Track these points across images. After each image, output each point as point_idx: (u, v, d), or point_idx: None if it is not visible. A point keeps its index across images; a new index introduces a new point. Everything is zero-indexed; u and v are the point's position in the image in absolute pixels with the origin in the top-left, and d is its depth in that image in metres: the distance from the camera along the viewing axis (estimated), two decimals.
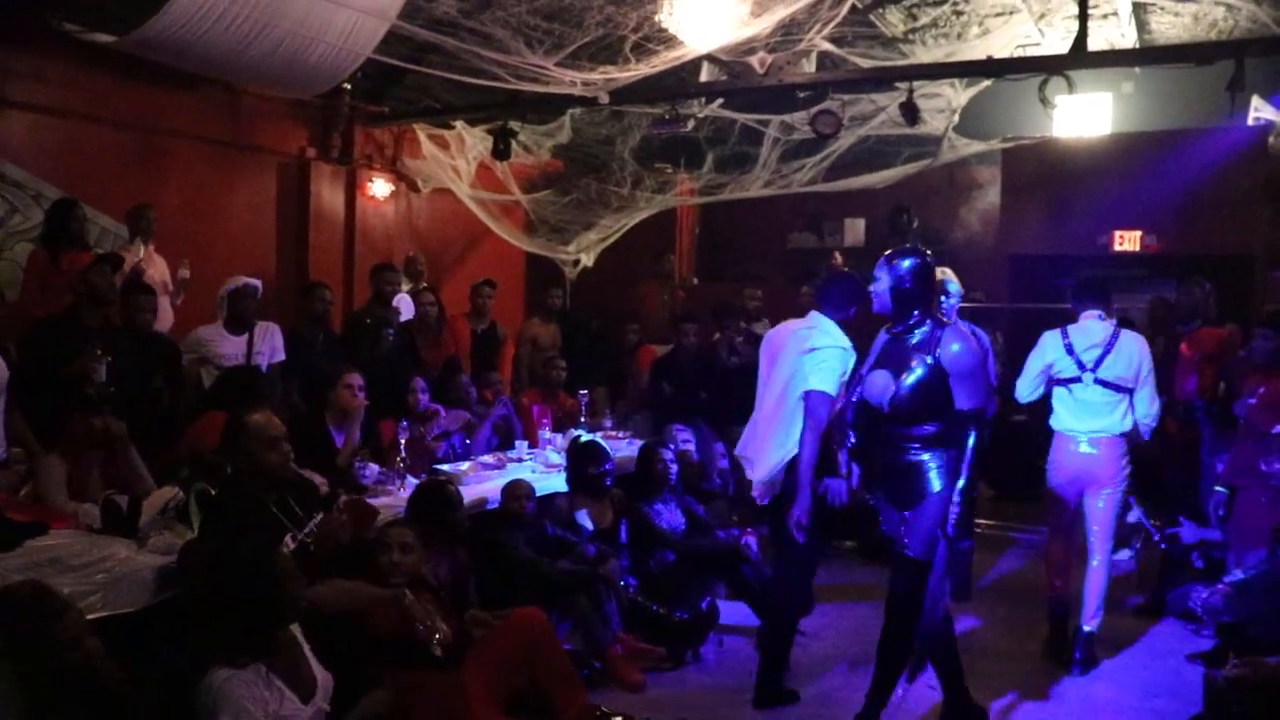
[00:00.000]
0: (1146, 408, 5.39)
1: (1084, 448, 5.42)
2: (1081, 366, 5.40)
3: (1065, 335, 5.50)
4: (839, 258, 10.88)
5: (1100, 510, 5.46)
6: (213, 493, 4.08)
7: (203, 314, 6.86)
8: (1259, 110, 8.80)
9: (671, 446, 6.77)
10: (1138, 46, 8.35)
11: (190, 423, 5.46)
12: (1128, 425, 5.39)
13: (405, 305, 8.08)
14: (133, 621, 3.68)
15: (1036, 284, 9.19)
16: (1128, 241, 9.42)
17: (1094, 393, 5.38)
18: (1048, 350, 5.54)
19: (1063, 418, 5.51)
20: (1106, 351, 5.38)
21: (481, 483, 5.93)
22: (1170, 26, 8.30)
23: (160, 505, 4.05)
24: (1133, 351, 5.39)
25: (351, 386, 5.88)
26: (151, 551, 3.93)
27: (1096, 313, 5.51)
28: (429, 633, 3.88)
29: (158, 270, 6.91)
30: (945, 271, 9.44)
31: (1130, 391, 5.37)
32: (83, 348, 5.19)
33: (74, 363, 5.14)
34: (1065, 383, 5.46)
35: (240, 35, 6.48)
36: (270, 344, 6.65)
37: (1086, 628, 5.47)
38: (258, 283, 6.82)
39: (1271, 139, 9.18)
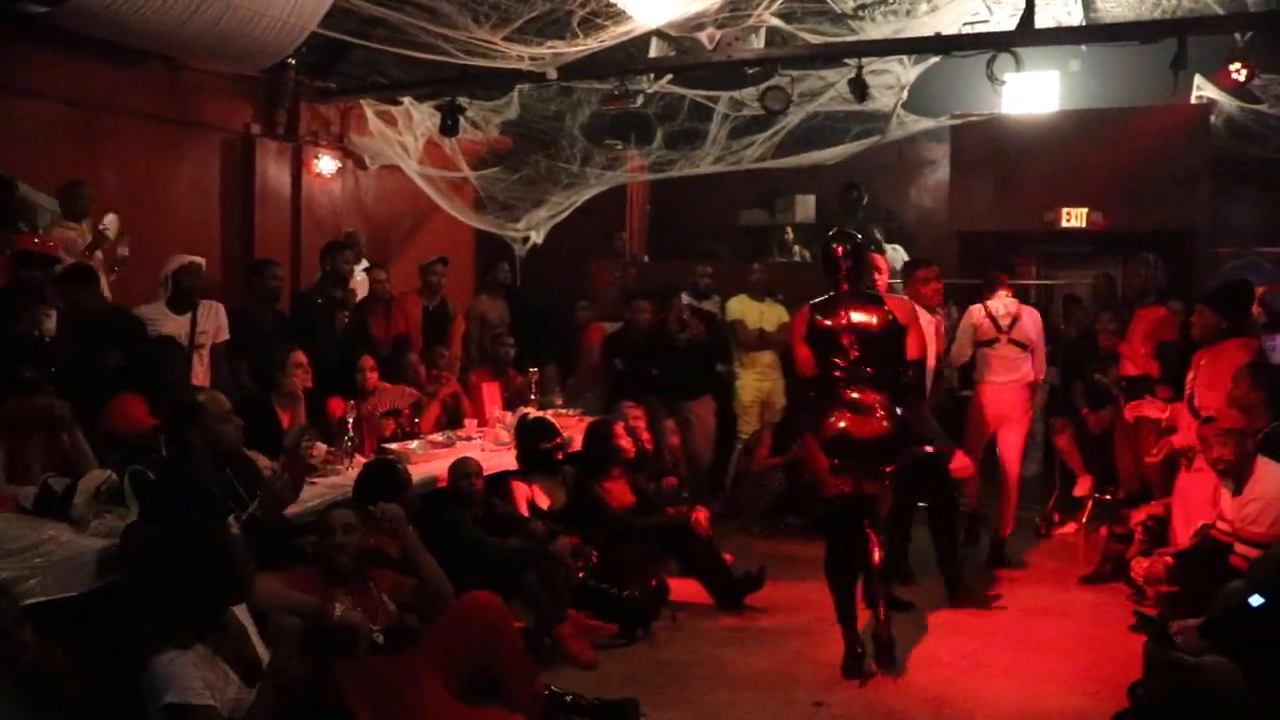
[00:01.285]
0: (1042, 365, 7.08)
1: (1001, 394, 6.90)
2: (999, 329, 6.91)
3: (985, 306, 7.04)
4: (790, 234, 10.92)
5: (1012, 442, 7.00)
6: (150, 475, 4.01)
7: (145, 293, 6.73)
8: (1201, 89, 8.90)
9: (621, 424, 6.77)
10: (1084, 24, 8.41)
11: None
12: (1030, 377, 6.93)
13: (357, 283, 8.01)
14: (75, 606, 3.63)
15: (986, 259, 9.26)
16: (1074, 218, 9.51)
17: (1008, 350, 6.89)
18: (973, 316, 7.05)
19: (983, 372, 7.00)
20: (1015, 319, 6.92)
21: (430, 461, 5.90)
22: (1116, 5, 8.36)
23: (93, 488, 3.98)
24: (1033, 320, 6.99)
25: (301, 366, 5.83)
26: (93, 534, 3.86)
27: (1004, 291, 7.10)
28: (360, 629, 3.84)
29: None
30: (897, 249, 9.55)
31: (1031, 351, 6.91)
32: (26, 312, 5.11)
33: (19, 319, 5.06)
34: (986, 343, 6.94)
35: (181, 8, 6.35)
36: (214, 323, 6.55)
37: (1001, 537, 7.09)
38: (201, 260, 6.70)
39: (1213, 118, 9.30)
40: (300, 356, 5.85)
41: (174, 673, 2.96)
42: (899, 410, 5.06)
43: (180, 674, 2.96)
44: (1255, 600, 2.94)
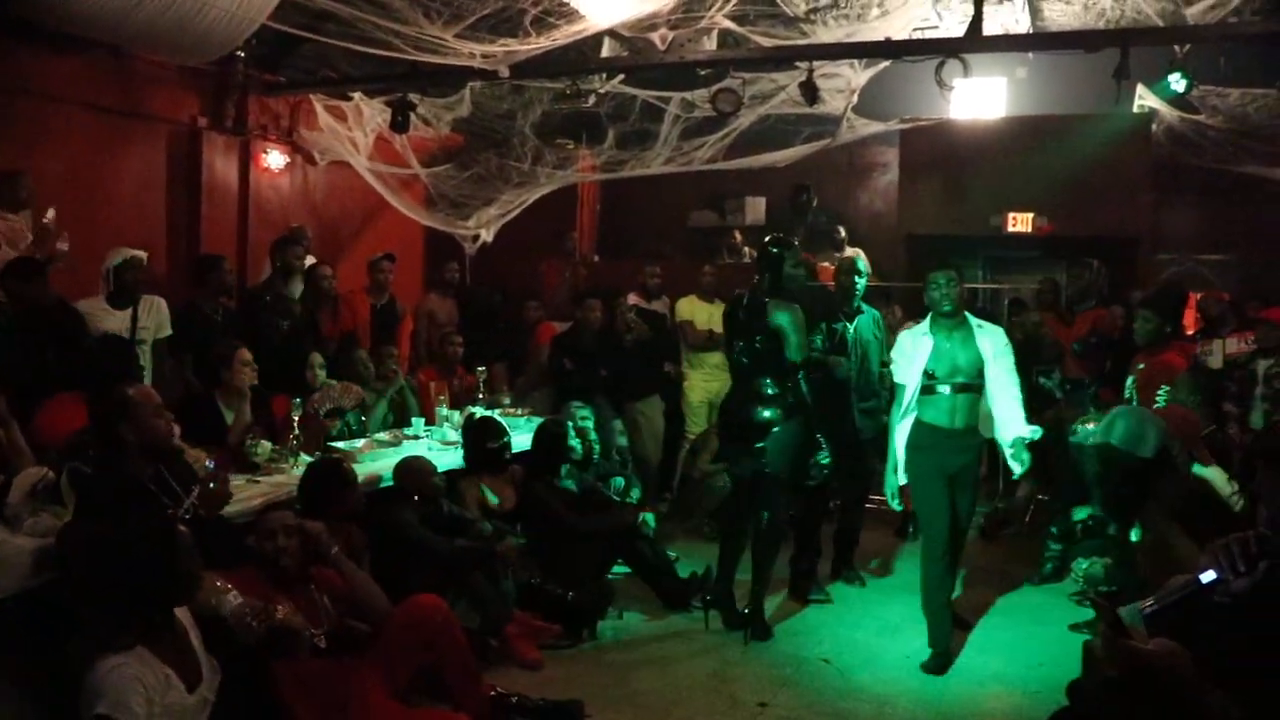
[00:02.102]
0: None
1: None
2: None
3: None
4: (739, 236, 10.96)
5: None
6: (87, 471, 3.95)
7: (86, 288, 6.63)
8: (1143, 99, 9.06)
9: (570, 424, 6.76)
10: (1031, 32, 8.52)
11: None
12: None
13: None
14: (10, 607, 3.56)
15: (933, 263, 9.33)
16: (1020, 223, 9.66)
17: None
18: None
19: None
20: None
21: (377, 460, 5.86)
22: (1062, 14, 8.48)
23: (29, 486, 3.90)
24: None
25: (247, 363, 5.78)
26: (28, 534, 3.79)
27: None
28: (301, 632, 3.80)
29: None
30: (857, 252, 9.65)
31: None
32: None
33: None
34: None
35: None
36: (155, 319, 6.47)
37: None
38: (144, 255, 6.61)
39: (1155, 127, 9.47)
40: (246, 354, 5.79)
41: (112, 683, 2.90)
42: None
43: (118, 686, 2.90)
44: (1207, 576, 2.98)
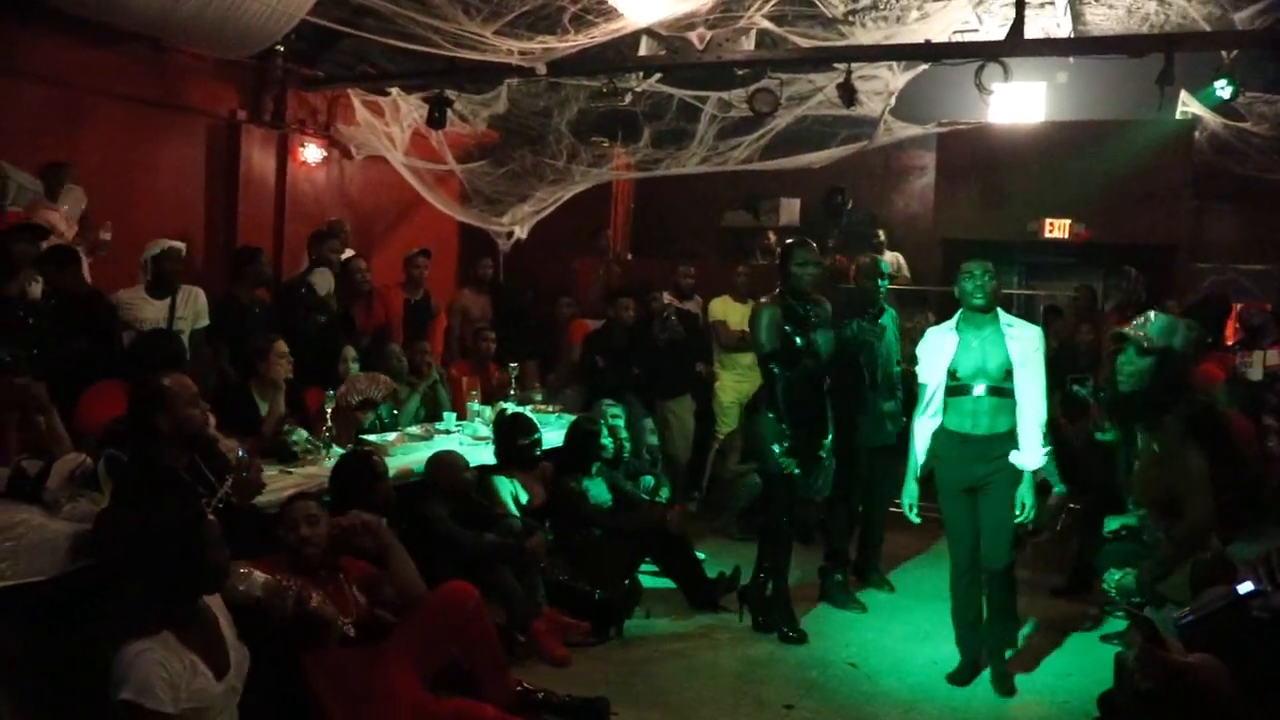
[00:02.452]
0: None
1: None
2: None
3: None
4: (772, 237, 10.93)
5: None
6: (124, 459, 3.98)
7: (124, 277, 6.69)
8: (1186, 105, 8.95)
9: (601, 422, 6.76)
10: (1072, 36, 8.45)
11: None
12: None
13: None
14: (46, 590, 3.60)
15: None
16: (1057, 229, 9.56)
17: None
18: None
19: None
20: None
21: (408, 454, 5.88)
22: (1104, 19, 8.40)
23: (67, 472, 3.94)
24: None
25: (284, 355, 5.82)
26: (65, 519, 3.83)
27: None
28: (333, 622, 3.83)
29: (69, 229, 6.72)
30: (898, 256, 9.54)
31: None
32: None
33: (7, 284, 5.04)
34: None
35: None
36: (193, 309, 6.52)
37: None
38: (182, 245, 6.67)
39: (1197, 133, 9.36)
40: (283, 346, 5.83)
41: (138, 668, 2.92)
42: None
43: (144, 672, 2.91)
44: (1244, 588, 2.96)
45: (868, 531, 6.72)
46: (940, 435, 5.15)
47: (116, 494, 3.92)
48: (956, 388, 5.05)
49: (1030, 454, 4.97)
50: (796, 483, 5.62)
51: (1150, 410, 4.82)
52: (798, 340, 5.54)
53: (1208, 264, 9.96)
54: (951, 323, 5.17)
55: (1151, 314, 4.98)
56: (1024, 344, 5.03)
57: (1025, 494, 4.99)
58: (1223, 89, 7.27)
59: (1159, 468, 4.72)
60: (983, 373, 5.00)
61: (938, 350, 5.13)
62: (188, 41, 7.61)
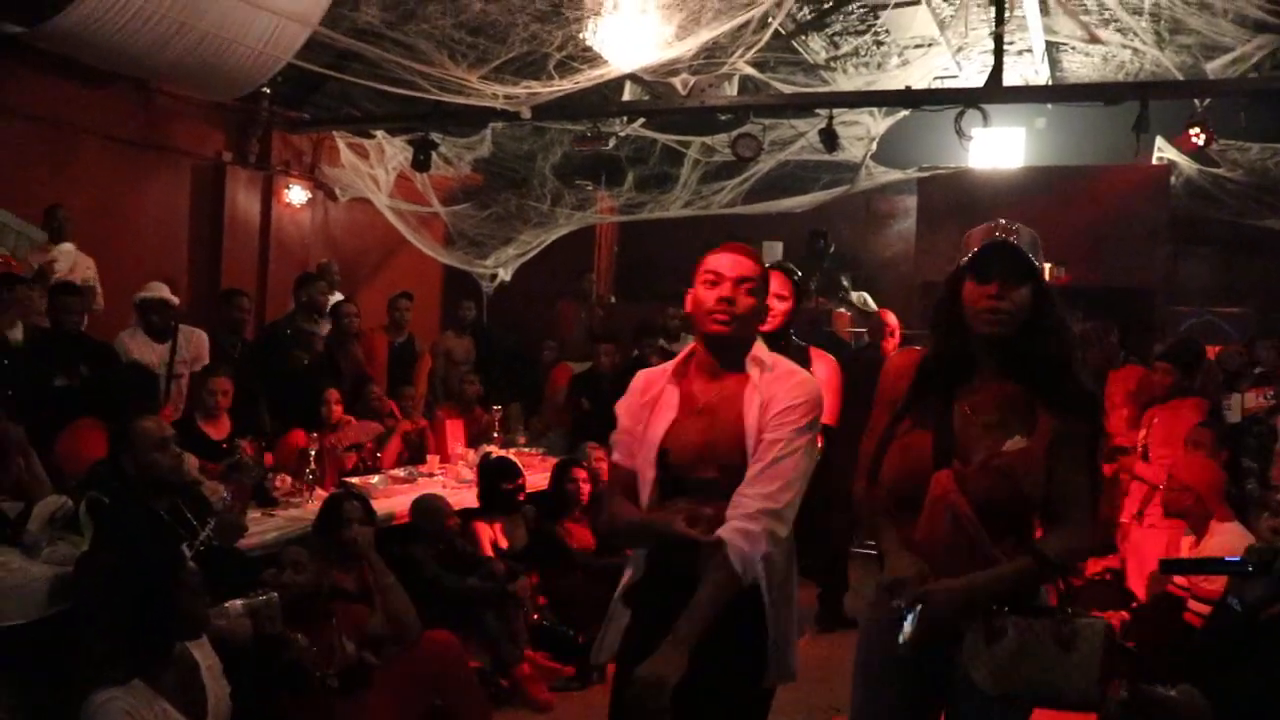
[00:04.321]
0: None
1: None
2: None
3: None
4: None
5: None
6: (106, 501, 3.96)
7: (111, 317, 6.69)
8: (1162, 151, 9.08)
9: (585, 465, 6.75)
10: (1050, 83, 8.58)
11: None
12: None
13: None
14: (21, 633, 3.57)
15: None
16: None
17: None
18: None
19: None
20: None
21: (391, 497, 5.86)
22: (1081, 65, 8.54)
23: (48, 514, 3.92)
24: None
25: (224, 393, 5.73)
26: (45, 562, 3.80)
27: None
28: (311, 671, 3.80)
29: (79, 271, 6.73)
30: (863, 295, 9.61)
31: None
32: None
33: None
34: None
35: (157, 33, 6.35)
36: (194, 351, 6.51)
37: None
38: (174, 299, 6.66)
39: (1173, 179, 9.48)
40: (224, 383, 5.74)
41: (104, 715, 2.88)
42: None
43: (110, 718, 2.88)
44: (1232, 558, 3.04)
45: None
46: None
47: (98, 537, 3.89)
48: None
49: None
50: None
51: None
52: None
53: (1185, 307, 10.05)
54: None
55: None
56: None
57: None
58: (1196, 136, 7.39)
59: None
60: None
61: None
62: (174, 83, 7.65)
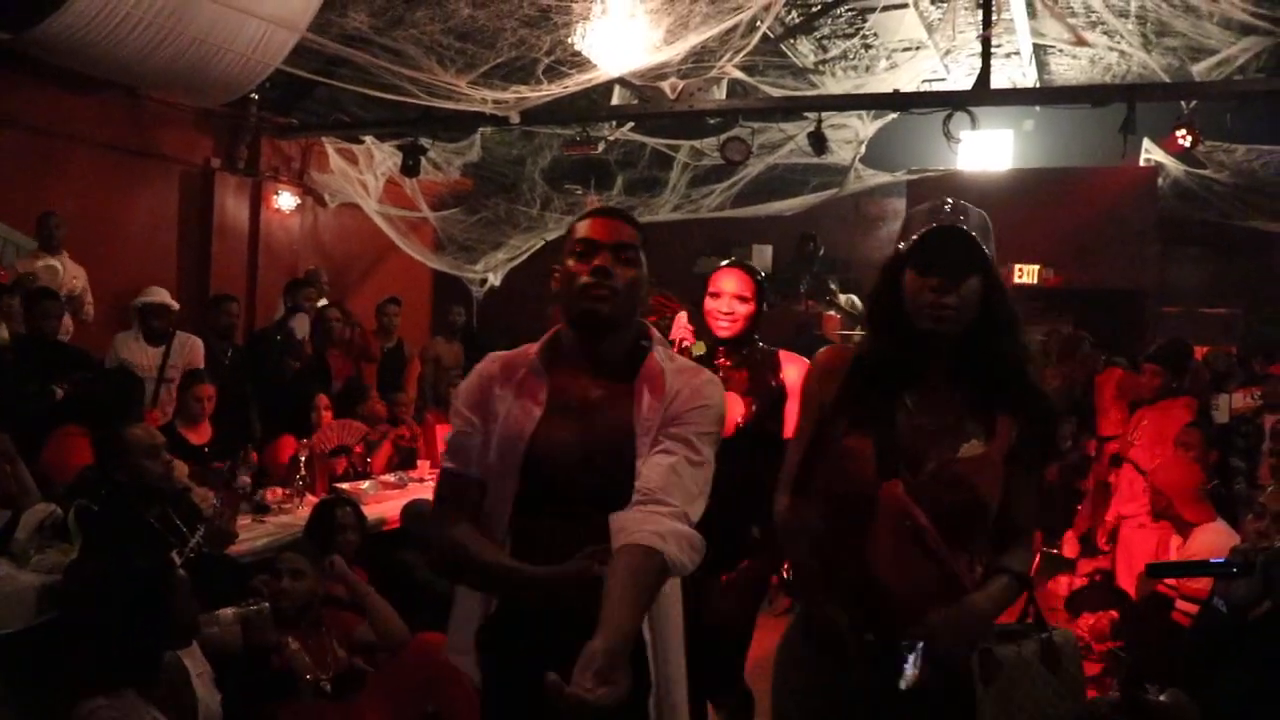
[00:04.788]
0: None
1: None
2: None
3: None
4: None
5: None
6: (94, 509, 3.95)
7: (101, 324, 6.67)
8: (1149, 152, 9.12)
9: None
10: (1038, 86, 8.61)
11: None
12: None
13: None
14: (10, 642, 3.55)
15: None
16: (1026, 274, 9.68)
17: None
18: None
19: None
20: None
21: (382, 502, 5.85)
22: (1068, 68, 8.57)
23: (36, 522, 3.90)
24: None
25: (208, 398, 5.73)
26: (34, 570, 3.78)
27: None
28: (303, 675, 3.80)
29: (67, 283, 6.72)
30: (850, 298, 9.63)
31: None
32: None
33: None
34: None
35: (145, 40, 6.33)
36: (186, 357, 6.50)
37: None
38: (173, 304, 6.65)
39: (1161, 180, 9.53)
40: (205, 390, 5.74)
41: None
42: None
43: None
44: (1217, 559, 3.05)
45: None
46: None
47: (87, 545, 3.88)
48: None
49: None
50: None
51: None
52: None
53: (1173, 308, 10.10)
54: None
55: None
56: None
57: None
58: (1183, 138, 7.43)
59: None
60: None
61: None
62: (162, 90, 7.64)
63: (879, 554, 2.06)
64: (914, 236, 2.13)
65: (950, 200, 2.23)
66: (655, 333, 2.29)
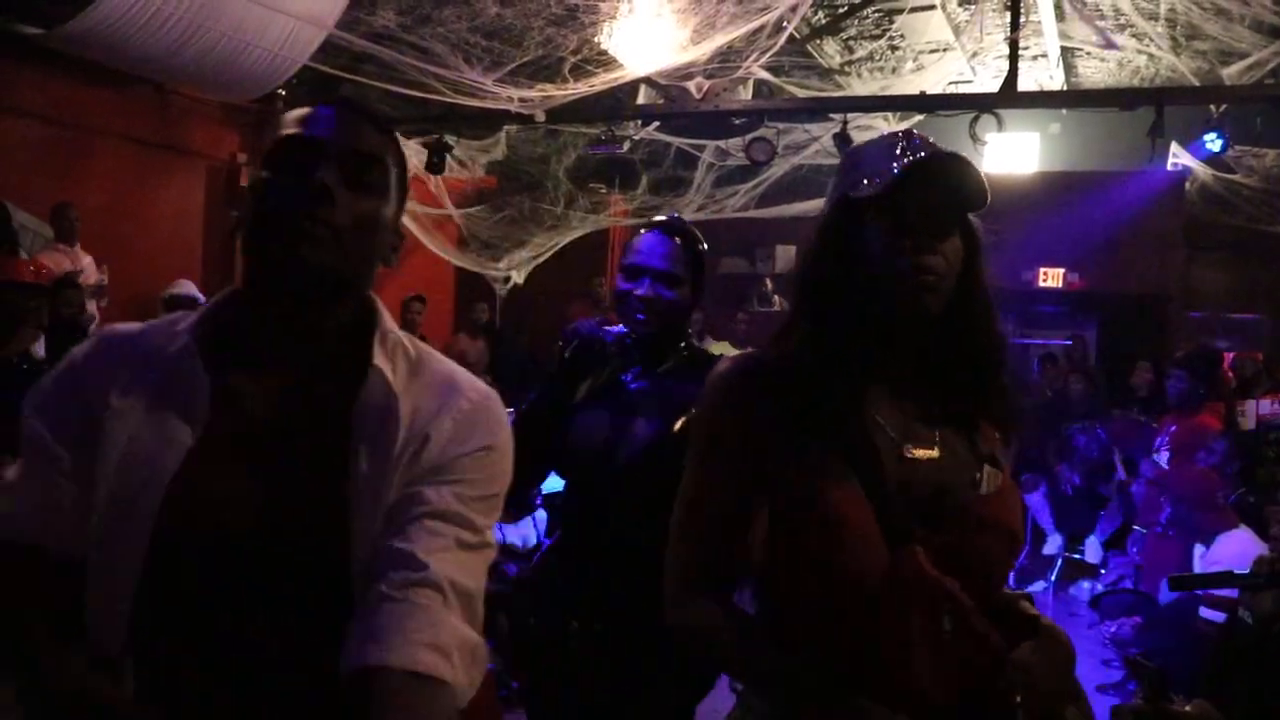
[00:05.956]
0: None
1: None
2: None
3: None
4: (769, 284, 10.99)
5: None
6: None
7: (126, 315, 6.70)
8: (1177, 156, 9.06)
9: None
10: (1065, 89, 8.56)
11: None
12: None
13: None
14: None
15: None
16: (1051, 278, 9.64)
17: None
18: None
19: None
20: None
21: None
22: (1096, 71, 8.52)
23: None
24: None
25: None
26: None
27: None
28: None
29: (93, 275, 6.77)
30: None
31: None
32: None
33: (7, 345, 5.04)
34: None
35: (174, 35, 6.36)
36: None
37: None
38: (203, 298, 6.70)
39: (1188, 185, 9.46)
40: None
41: None
42: None
43: None
44: (1241, 570, 3.04)
45: None
46: None
47: None
48: None
49: None
50: None
51: None
52: None
53: (1199, 313, 10.03)
54: None
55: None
56: None
57: None
58: (1212, 142, 7.38)
59: None
60: None
61: None
62: (190, 85, 7.67)
63: (910, 655, 1.37)
64: (884, 177, 1.49)
65: (913, 130, 1.68)
66: (386, 315, 1.45)
